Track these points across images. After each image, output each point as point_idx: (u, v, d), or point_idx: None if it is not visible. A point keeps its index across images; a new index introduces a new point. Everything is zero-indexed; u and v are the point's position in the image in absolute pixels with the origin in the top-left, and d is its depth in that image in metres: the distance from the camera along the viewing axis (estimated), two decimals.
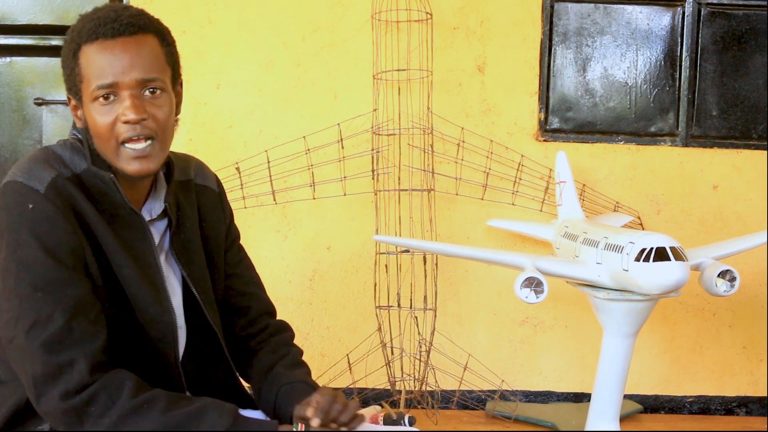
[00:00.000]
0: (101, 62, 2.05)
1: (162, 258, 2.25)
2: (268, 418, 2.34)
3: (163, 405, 2.04)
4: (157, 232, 2.25)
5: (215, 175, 2.50)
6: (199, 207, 2.40)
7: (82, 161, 2.11)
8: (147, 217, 2.23)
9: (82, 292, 2.03)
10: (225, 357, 2.39)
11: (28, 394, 2.01)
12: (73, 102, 2.14)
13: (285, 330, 2.51)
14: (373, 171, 4.22)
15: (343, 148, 4.20)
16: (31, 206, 2.01)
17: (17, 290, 1.98)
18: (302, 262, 4.37)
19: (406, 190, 4.21)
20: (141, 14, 2.14)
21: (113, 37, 2.06)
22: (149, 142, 2.10)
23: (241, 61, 4.21)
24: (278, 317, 2.64)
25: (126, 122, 2.07)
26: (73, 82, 2.10)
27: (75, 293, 2.01)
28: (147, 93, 2.09)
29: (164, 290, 2.21)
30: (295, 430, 2.13)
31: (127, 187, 2.15)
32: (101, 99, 2.06)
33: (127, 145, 2.09)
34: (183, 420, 2.03)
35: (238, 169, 4.09)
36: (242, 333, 2.45)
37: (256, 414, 2.41)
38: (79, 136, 2.16)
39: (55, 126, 4.33)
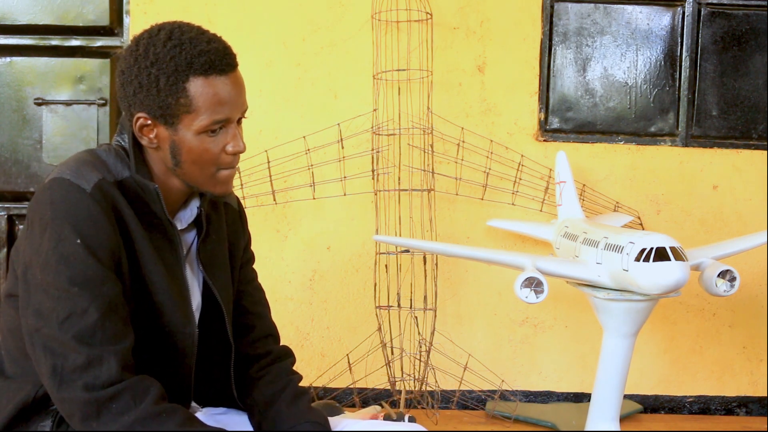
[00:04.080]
0: (218, 98, 2.10)
1: (188, 268, 2.29)
2: None
3: (181, 420, 2.08)
4: (185, 242, 2.29)
5: (237, 197, 2.54)
6: (226, 221, 2.47)
7: (124, 169, 2.14)
8: (179, 227, 2.26)
9: (116, 291, 2.06)
10: (230, 373, 2.45)
11: (45, 381, 2.03)
12: (150, 122, 2.15)
13: (287, 356, 2.52)
14: (373, 171, 4.25)
15: (343, 148, 4.24)
16: (75, 203, 2.04)
17: (56, 283, 2.01)
18: (302, 262, 4.40)
19: (406, 190, 4.25)
20: (228, 44, 2.20)
21: (227, 73, 2.11)
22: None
23: (241, 61, 4.17)
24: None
25: (235, 153, 2.16)
26: (170, 108, 2.11)
27: (110, 292, 2.05)
28: (238, 121, 2.18)
29: (189, 301, 2.25)
30: None
31: (165, 197, 2.21)
32: (210, 131, 2.13)
33: (224, 170, 2.18)
34: None
35: (237, 169, 4.10)
36: (243, 352, 2.46)
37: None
38: (123, 144, 2.21)
39: (55, 126, 4.36)
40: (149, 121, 2.14)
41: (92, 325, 2.01)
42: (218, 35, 2.17)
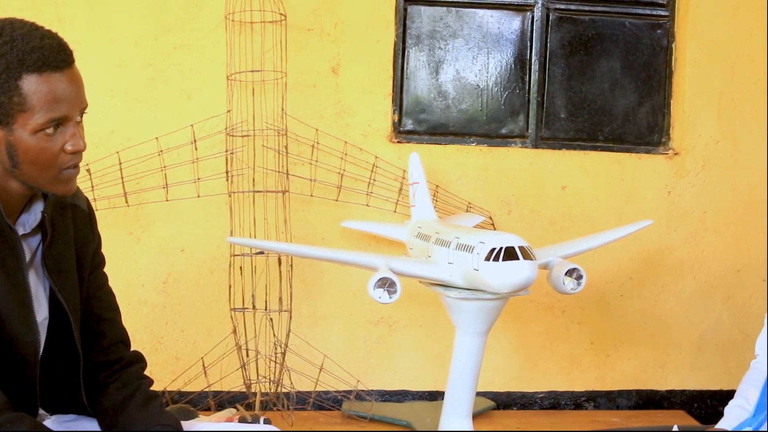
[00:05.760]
0: (54, 95, 2.04)
1: (31, 274, 2.24)
2: None
3: (26, 429, 2.03)
4: (29, 247, 2.22)
5: (86, 198, 2.47)
6: (74, 226, 2.42)
7: None
8: (21, 231, 2.19)
9: None
10: (79, 381, 2.42)
11: None
12: None
13: (137, 361, 2.48)
14: (227, 172, 4.24)
15: (196, 149, 4.22)
16: None
17: None
18: (156, 264, 4.37)
19: (261, 191, 4.25)
20: (64, 40, 2.13)
21: (62, 69, 2.05)
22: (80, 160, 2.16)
23: (92, 61, 4.15)
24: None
25: (75, 152, 2.10)
26: (4, 108, 2.03)
27: None
28: (78, 119, 2.12)
29: (31, 308, 2.19)
30: None
31: (4, 201, 2.14)
32: (48, 130, 2.06)
33: (66, 170, 2.12)
34: None
35: (89, 170, 4.06)
36: (93, 359, 2.41)
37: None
38: None
39: None
40: None
41: None
42: (53, 31, 2.11)
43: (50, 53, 2.04)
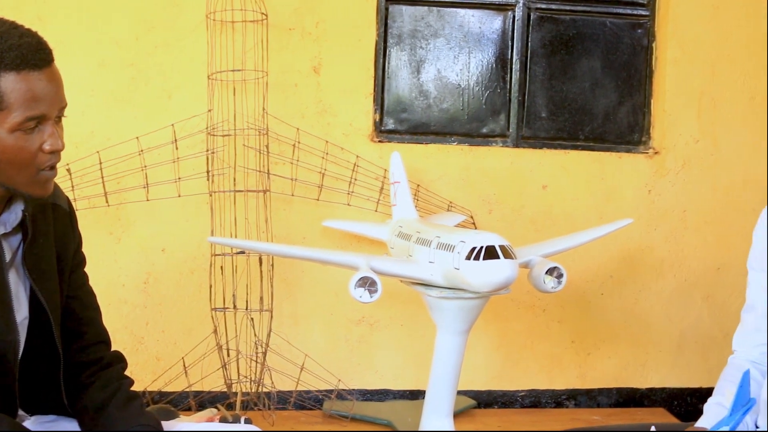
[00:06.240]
0: (32, 93, 2.02)
1: (12, 273, 2.24)
2: None
3: (5, 430, 2.06)
4: (10, 247, 2.21)
5: (67, 197, 2.46)
6: (54, 225, 2.42)
7: None
8: (1, 231, 2.18)
9: None
10: (60, 381, 2.42)
11: None
12: None
13: (118, 361, 2.47)
14: (208, 172, 4.24)
15: (177, 149, 4.22)
16: None
17: None
18: (136, 264, 4.37)
19: (242, 191, 4.25)
20: (43, 39, 2.12)
21: (41, 68, 2.04)
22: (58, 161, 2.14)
23: (72, 61, 4.15)
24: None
25: (53, 152, 2.09)
26: None
27: None
28: (57, 119, 2.10)
29: (11, 308, 2.18)
30: None
31: None
32: (26, 129, 2.04)
33: (43, 171, 2.11)
34: None
35: (69, 170, 4.06)
36: (74, 359, 2.40)
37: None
38: None
39: None
40: None
41: None
42: (32, 30, 2.11)
43: (29, 51, 2.03)
